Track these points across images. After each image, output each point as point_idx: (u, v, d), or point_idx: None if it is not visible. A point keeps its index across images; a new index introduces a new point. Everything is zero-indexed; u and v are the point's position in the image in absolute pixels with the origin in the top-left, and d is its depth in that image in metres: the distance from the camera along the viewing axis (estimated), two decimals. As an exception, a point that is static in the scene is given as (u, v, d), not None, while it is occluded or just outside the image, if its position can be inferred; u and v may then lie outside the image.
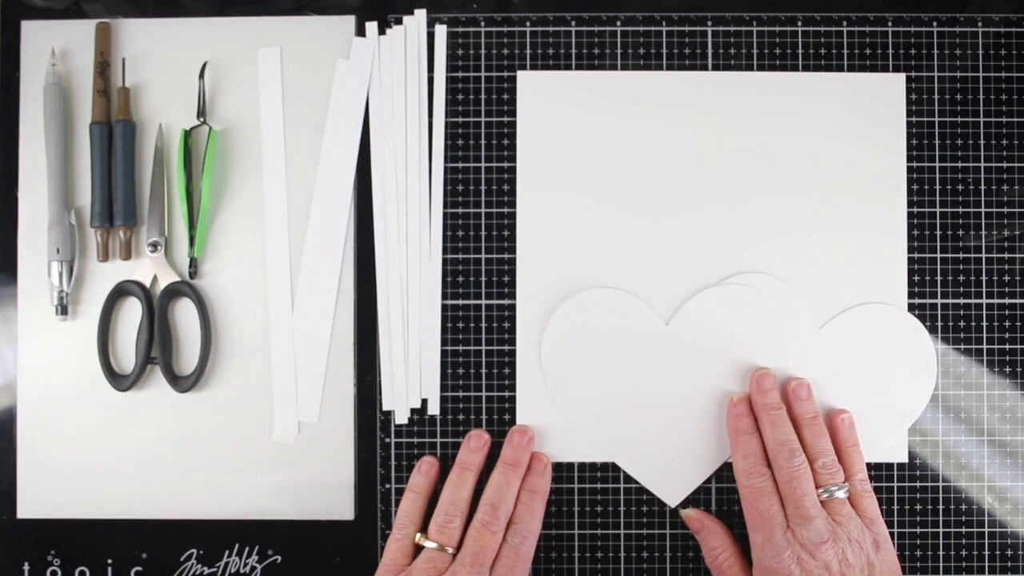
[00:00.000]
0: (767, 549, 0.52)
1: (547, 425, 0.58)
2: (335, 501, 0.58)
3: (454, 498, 0.55)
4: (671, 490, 0.58)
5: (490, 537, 0.53)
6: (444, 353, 0.58)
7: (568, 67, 0.59)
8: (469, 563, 0.52)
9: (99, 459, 0.58)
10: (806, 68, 0.59)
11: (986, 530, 0.58)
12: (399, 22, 0.59)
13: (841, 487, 0.53)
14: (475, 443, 0.56)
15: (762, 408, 0.55)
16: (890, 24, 0.59)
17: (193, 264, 0.58)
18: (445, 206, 0.59)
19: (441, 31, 0.59)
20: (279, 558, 0.58)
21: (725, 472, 0.58)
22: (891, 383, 0.58)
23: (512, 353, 0.58)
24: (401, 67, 0.59)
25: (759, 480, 0.54)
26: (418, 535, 0.55)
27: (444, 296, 0.58)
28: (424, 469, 0.56)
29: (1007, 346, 0.58)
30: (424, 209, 0.58)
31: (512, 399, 0.58)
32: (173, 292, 0.58)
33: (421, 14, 0.59)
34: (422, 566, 0.53)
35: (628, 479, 0.58)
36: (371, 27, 0.59)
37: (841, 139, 0.58)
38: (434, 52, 0.59)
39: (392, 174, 0.58)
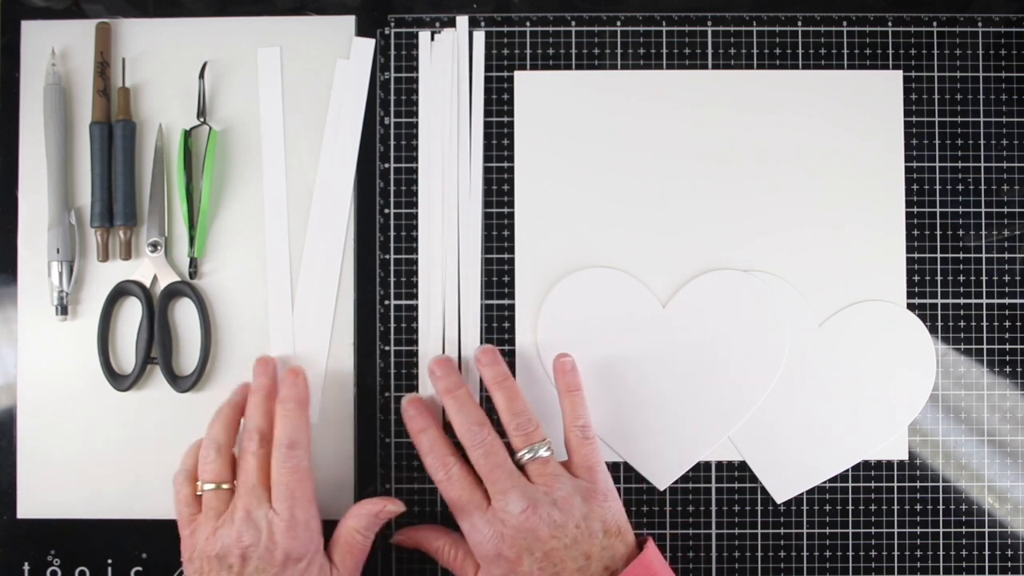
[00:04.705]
0: (473, 535, 0.51)
1: (547, 425, 0.58)
2: (335, 501, 0.58)
3: (209, 436, 0.53)
4: (662, 473, 0.58)
5: (251, 459, 0.52)
6: (444, 353, 0.58)
7: (568, 67, 0.59)
8: (244, 492, 0.51)
9: (99, 459, 0.58)
10: (806, 68, 0.59)
11: (986, 530, 0.58)
12: (448, 24, 0.59)
13: (542, 444, 0.52)
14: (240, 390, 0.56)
15: (443, 393, 0.54)
16: (890, 24, 0.59)
17: (193, 264, 0.58)
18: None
19: (479, 36, 0.58)
20: (279, 558, 0.58)
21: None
22: (890, 380, 0.58)
23: (512, 353, 0.58)
24: (448, 69, 0.59)
25: (444, 473, 0.52)
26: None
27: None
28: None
29: (1007, 346, 0.58)
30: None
31: (512, 399, 0.58)
32: (173, 292, 0.58)
33: (463, 20, 0.59)
34: (206, 509, 0.52)
35: (628, 479, 0.58)
36: (424, 35, 0.59)
37: (840, 137, 0.58)
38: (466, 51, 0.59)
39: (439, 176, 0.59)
